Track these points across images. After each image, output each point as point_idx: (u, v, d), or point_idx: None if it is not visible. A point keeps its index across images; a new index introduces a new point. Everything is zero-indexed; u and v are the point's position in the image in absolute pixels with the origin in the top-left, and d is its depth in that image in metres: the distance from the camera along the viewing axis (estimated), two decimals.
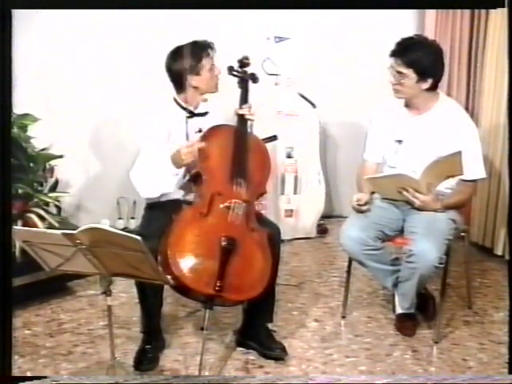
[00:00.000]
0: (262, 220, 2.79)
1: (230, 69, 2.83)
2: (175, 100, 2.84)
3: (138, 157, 2.77)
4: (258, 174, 2.79)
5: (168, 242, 2.49)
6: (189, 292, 2.51)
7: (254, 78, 2.84)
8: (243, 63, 2.83)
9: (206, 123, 2.83)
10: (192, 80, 2.77)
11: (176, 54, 2.78)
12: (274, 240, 2.72)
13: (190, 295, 2.57)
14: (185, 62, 2.75)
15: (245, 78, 2.82)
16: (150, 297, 2.70)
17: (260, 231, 2.67)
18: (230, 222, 2.62)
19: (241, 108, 2.78)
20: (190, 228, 2.58)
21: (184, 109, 2.84)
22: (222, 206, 2.65)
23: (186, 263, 2.47)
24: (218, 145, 2.73)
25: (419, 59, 2.72)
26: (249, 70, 2.84)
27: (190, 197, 2.78)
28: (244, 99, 2.81)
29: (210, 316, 2.53)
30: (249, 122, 2.81)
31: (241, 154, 2.73)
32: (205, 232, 2.58)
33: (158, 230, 2.56)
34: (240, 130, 2.76)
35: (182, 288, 2.50)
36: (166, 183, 2.72)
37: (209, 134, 2.75)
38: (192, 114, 2.85)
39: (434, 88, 2.82)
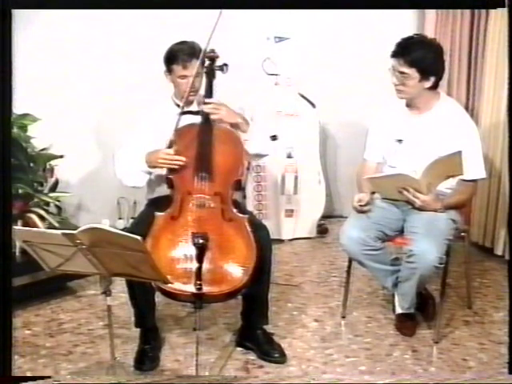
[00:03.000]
0: (239, 208, 2.76)
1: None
2: (171, 97, 2.89)
3: (124, 141, 2.84)
4: (225, 164, 2.72)
5: None
6: (173, 296, 2.51)
7: (222, 69, 2.73)
8: (211, 57, 2.74)
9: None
10: (166, 76, 2.84)
11: (172, 45, 2.83)
12: (257, 225, 2.70)
13: (176, 298, 2.57)
14: (166, 55, 2.82)
15: (212, 71, 2.74)
16: (138, 295, 2.72)
17: (239, 219, 2.65)
18: (200, 218, 2.61)
19: (204, 103, 2.72)
20: (163, 234, 2.58)
21: (176, 105, 2.85)
22: (191, 204, 2.65)
23: (164, 269, 2.42)
24: (183, 145, 2.70)
25: (421, 58, 2.72)
26: (218, 62, 2.74)
27: None
28: (209, 93, 2.73)
29: (205, 316, 2.51)
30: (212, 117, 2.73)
31: (204, 148, 2.70)
32: (177, 234, 2.57)
33: (146, 229, 2.57)
34: (203, 124, 2.72)
35: (167, 292, 2.50)
36: (137, 177, 2.78)
37: (175, 136, 2.71)
38: (183, 112, 2.83)
39: (434, 87, 2.83)
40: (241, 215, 2.66)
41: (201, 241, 2.49)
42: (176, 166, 2.67)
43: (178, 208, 2.65)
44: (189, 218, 2.62)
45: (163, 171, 2.75)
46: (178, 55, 2.78)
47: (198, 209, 2.64)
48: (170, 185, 2.73)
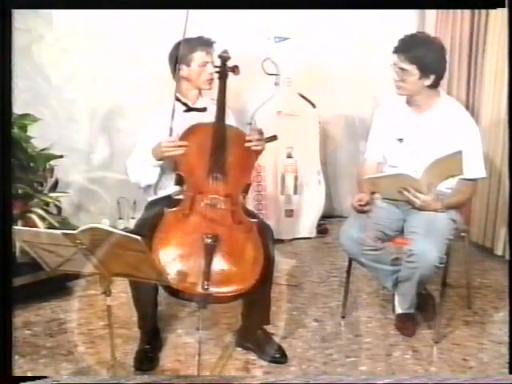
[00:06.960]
0: (248, 212, 2.77)
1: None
2: (175, 95, 2.84)
3: (134, 148, 2.83)
4: (238, 167, 2.73)
5: (152, 248, 2.47)
6: (179, 294, 2.51)
7: (234, 70, 2.74)
8: (223, 58, 2.75)
9: (204, 119, 2.81)
10: (182, 70, 2.81)
11: (176, 44, 2.83)
12: (265, 229, 2.70)
13: (181, 297, 2.56)
14: (179, 51, 2.79)
15: (224, 72, 2.75)
16: (142, 296, 2.71)
17: (248, 222, 2.64)
18: (211, 219, 2.60)
19: (249, 137, 2.74)
20: (173, 231, 2.57)
21: (182, 103, 2.85)
22: (202, 204, 2.64)
23: (172, 266, 2.46)
24: (195, 144, 2.69)
25: (422, 55, 2.73)
26: (229, 63, 2.76)
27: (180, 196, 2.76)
28: (222, 95, 2.74)
29: (206, 316, 2.51)
30: (227, 116, 2.77)
31: (218, 149, 2.69)
32: (187, 232, 2.56)
33: (151, 229, 2.56)
34: (217, 124, 2.72)
35: (172, 290, 2.50)
36: (149, 174, 2.76)
37: (186, 134, 2.71)
38: (189, 108, 2.86)
39: (435, 86, 2.83)
40: (250, 219, 2.66)
41: (211, 241, 2.49)
42: (181, 151, 2.64)
43: (188, 206, 2.63)
44: (199, 217, 2.61)
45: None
46: (200, 43, 2.79)
47: (210, 209, 2.62)
48: (180, 182, 2.71)
